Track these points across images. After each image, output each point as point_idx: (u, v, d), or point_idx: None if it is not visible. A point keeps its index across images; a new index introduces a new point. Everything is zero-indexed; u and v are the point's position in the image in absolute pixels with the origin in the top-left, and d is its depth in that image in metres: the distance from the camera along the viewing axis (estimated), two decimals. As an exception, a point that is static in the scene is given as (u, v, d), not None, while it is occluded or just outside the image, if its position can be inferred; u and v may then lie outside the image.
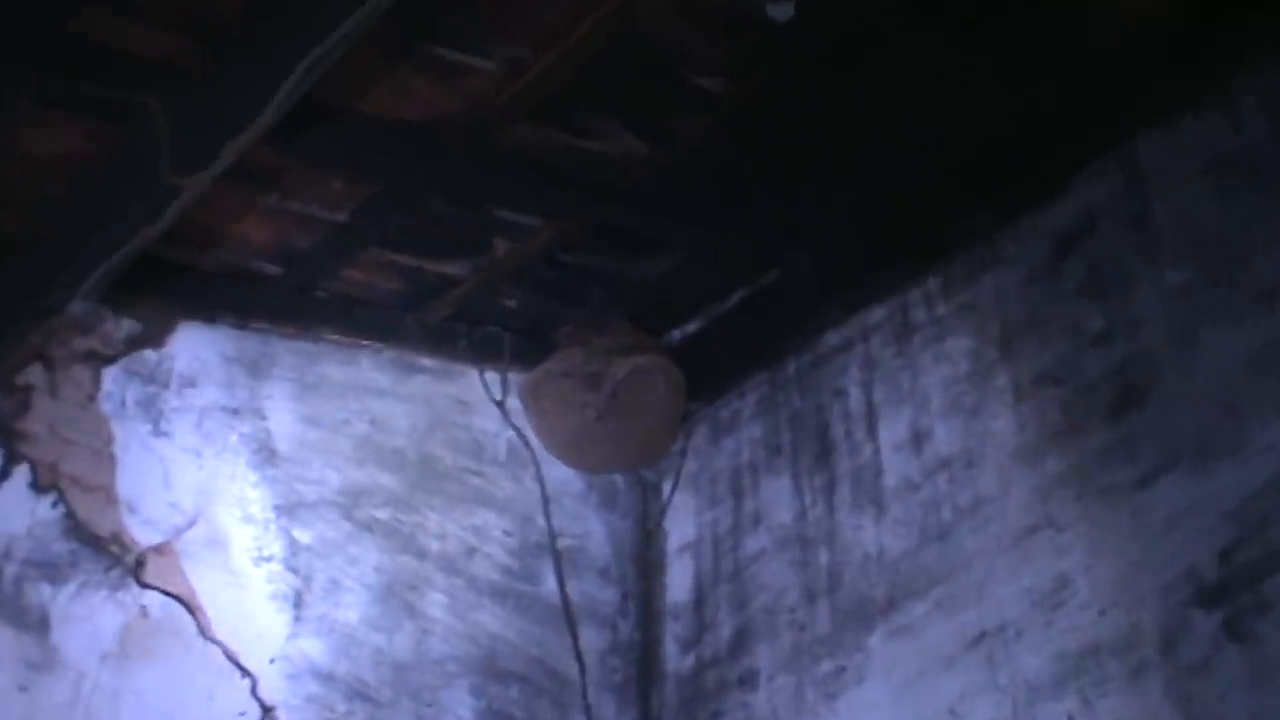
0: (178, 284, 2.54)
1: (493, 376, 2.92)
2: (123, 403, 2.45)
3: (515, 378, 2.90)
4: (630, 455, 2.86)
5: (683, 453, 2.95)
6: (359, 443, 2.72)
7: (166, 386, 2.53)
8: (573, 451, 2.84)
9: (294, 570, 2.54)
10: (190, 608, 2.37)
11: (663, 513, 2.94)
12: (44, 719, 2.16)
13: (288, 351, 2.69)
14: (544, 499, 2.87)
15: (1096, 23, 2.04)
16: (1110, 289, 2.21)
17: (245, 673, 2.40)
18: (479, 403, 2.89)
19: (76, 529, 2.31)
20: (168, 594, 2.36)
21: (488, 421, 2.88)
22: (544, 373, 2.81)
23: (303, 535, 2.58)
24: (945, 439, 2.43)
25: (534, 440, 2.87)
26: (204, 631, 2.37)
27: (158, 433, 2.50)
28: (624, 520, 2.95)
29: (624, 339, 2.81)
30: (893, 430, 2.53)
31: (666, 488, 2.97)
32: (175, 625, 2.34)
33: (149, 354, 2.51)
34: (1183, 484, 2.04)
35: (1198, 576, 1.98)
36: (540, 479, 2.87)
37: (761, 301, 2.79)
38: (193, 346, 2.57)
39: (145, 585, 2.36)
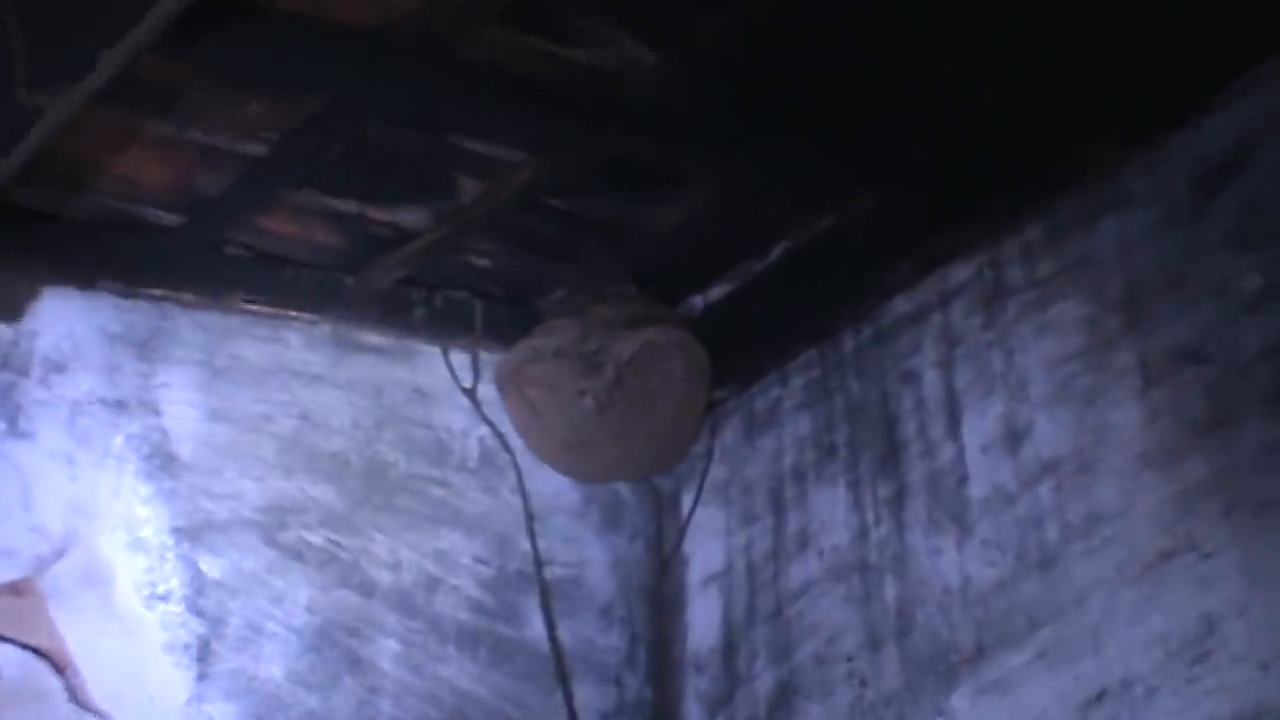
0: (41, 237, 2.50)
1: (460, 357, 2.93)
2: (-36, 395, 2.40)
3: (490, 359, 2.91)
4: (640, 459, 2.87)
5: (707, 455, 2.98)
6: (285, 444, 2.73)
7: (26, 373, 2.51)
8: (566, 454, 2.85)
9: (199, 612, 2.52)
10: (58, 665, 2.33)
11: (682, 533, 2.97)
12: None
13: (190, 326, 2.67)
14: (528, 516, 2.88)
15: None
16: (1269, 238, 2.16)
17: (133, 750, 2.31)
18: (442, 391, 2.90)
19: (-103, 564, 2.24)
20: (27, 648, 2.30)
21: (454, 416, 2.89)
22: (528, 352, 2.82)
23: (211, 566, 2.57)
24: (1050, 436, 2.40)
25: (514, 440, 2.88)
26: (76, 696, 2.32)
27: (15, 433, 2.47)
28: (632, 543, 2.98)
29: (631, 307, 2.83)
30: (980, 425, 2.52)
31: (686, 501, 3.00)
32: (38, 689, 2.28)
33: (2, 331, 2.48)
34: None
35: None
36: (523, 490, 2.89)
37: (809, 258, 2.78)
38: (62, 320, 2.54)
39: (-1, 638, 2.28)
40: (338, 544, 2.72)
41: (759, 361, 2.94)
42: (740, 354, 2.93)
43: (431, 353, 2.93)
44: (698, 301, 3.00)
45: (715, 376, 2.90)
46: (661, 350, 2.79)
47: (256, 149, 2.44)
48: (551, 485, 2.93)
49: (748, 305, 2.92)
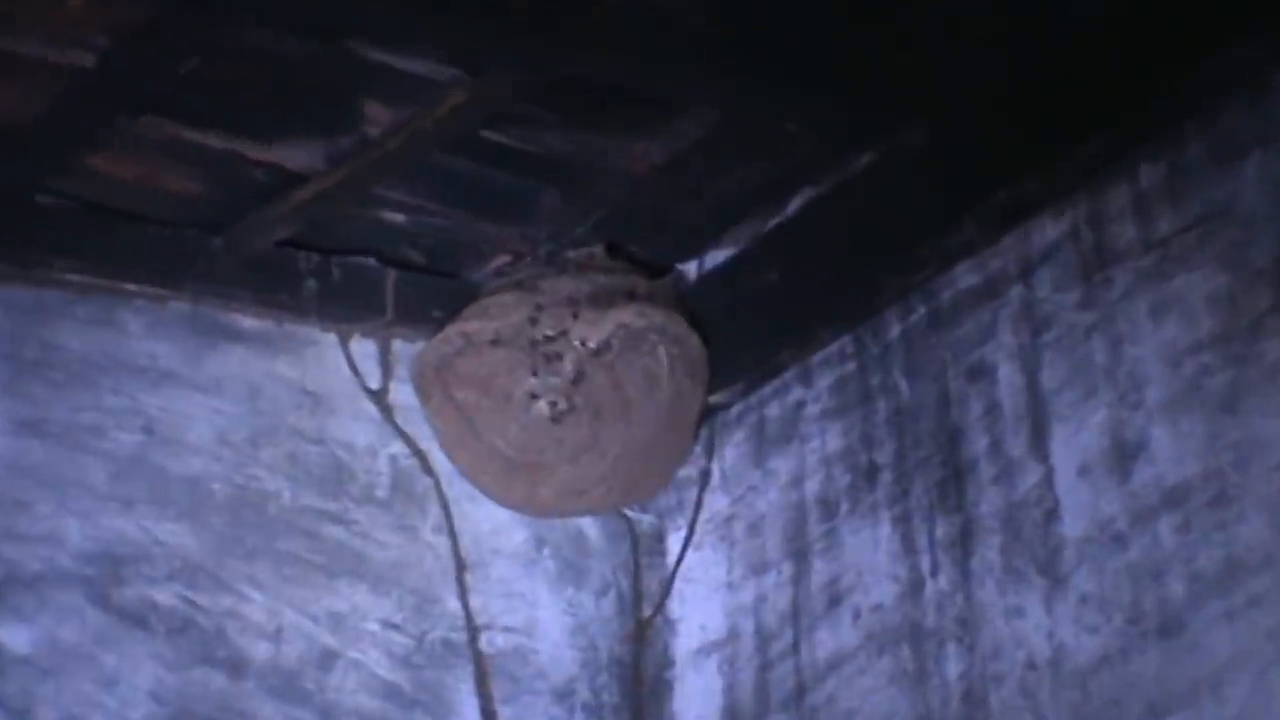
0: None
1: (365, 347, 2.93)
2: None
3: (406, 349, 2.91)
4: (611, 485, 2.90)
5: (702, 480, 3.01)
6: (123, 467, 2.69)
7: None
8: (510, 479, 2.88)
9: (-2, 699, 2.38)
10: None
11: (667, 587, 2.99)
12: None
13: (-11, 304, 2.57)
14: (457, 564, 2.86)
15: None
16: None
17: None
18: (341, 394, 2.89)
19: None
20: None
21: (356, 427, 2.89)
22: (458, 340, 2.82)
23: (14, 637, 2.50)
24: (1173, 455, 2.38)
25: (439, 460, 2.89)
26: None
27: None
28: (599, 601, 2.98)
29: (599, 279, 2.85)
30: (1076, 439, 2.49)
31: (674, 543, 3.03)
32: None
33: None
34: None
35: None
36: (451, 528, 2.89)
37: (841, 211, 2.78)
38: None
39: None
40: (195, 604, 2.68)
41: (773, 352, 2.93)
42: (747, 342, 2.94)
43: (326, 342, 2.92)
44: (690, 270, 3.01)
45: (714, 373, 2.91)
46: (640, 337, 2.80)
47: (79, 59, 2.39)
48: (490, 522, 2.93)
49: (757, 275, 2.92)
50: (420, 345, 2.91)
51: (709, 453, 3.05)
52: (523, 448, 2.82)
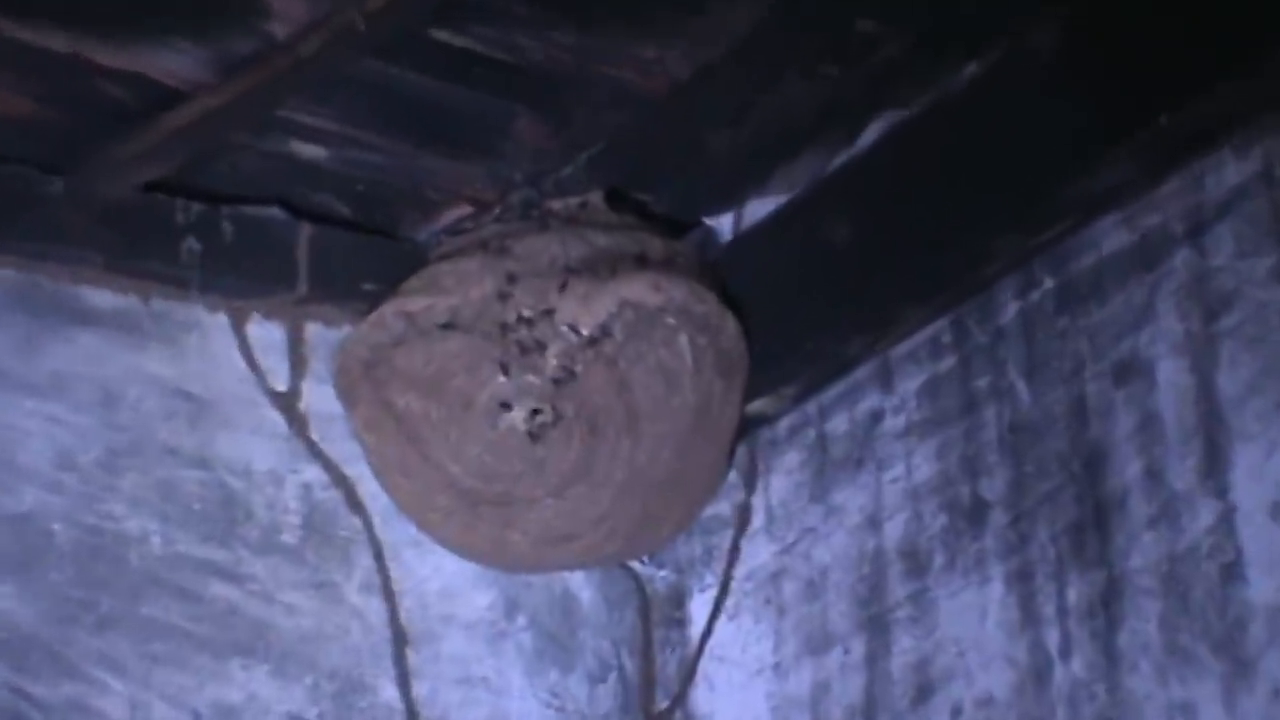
0: None
1: (268, 332, 2.90)
2: None
3: (325, 335, 2.90)
4: (611, 527, 2.89)
5: (740, 519, 3.01)
6: None
7: None
8: (470, 519, 2.88)
9: None
10: None
11: (690, 670, 2.99)
12: None
13: None
14: (395, 636, 2.85)
15: None
16: None
17: None
18: (232, 397, 2.89)
19: None
20: None
21: (254, 444, 2.89)
22: (398, 323, 2.81)
23: None
24: None
25: (372, 491, 2.87)
26: None
27: None
28: (594, 688, 2.98)
29: (598, 237, 2.85)
30: (1267, 465, 2.47)
31: (699, 606, 3.02)
32: None
33: None
34: None
35: None
36: (387, 587, 2.88)
37: (938, 139, 2.77)
38: None
39: None
40: (27, 695, 2.65)
41: (839, 342, 2.91)
42: (803, 327, 2.93)
43: (213, 326, 2.90)
44: (723, 226, 3.00)
45: (756, 371, 2.88)
46: (653, 321, 2.77)
47: None
48: (440, 578, 2.93)
49: (817, 234, 2.89)
50: (345, 331, 2.90)
51: (749, 483, 3.05)
52: (488, 475, 2.80)
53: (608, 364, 2.80)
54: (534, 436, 2.80)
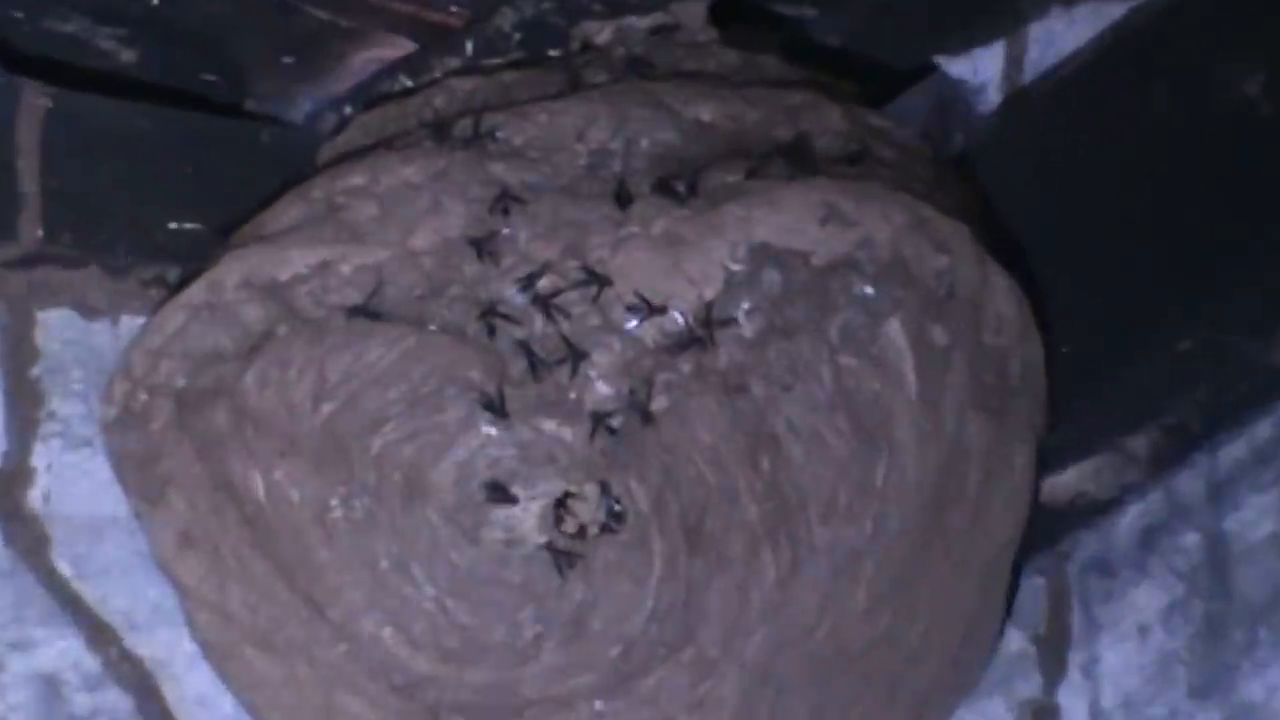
0: None
1: None
2: None
3: (83, 332, 2.06)
4: None
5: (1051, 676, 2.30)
6: None
7: None
8: None
9: None
10: None
11: None
12: None
13: None
14: None
15: None
16: None
17: None
18: None
19: None
20: None
21: None
22: (250, 302, 1.91)
23: None
24: None
25: (195, 695, 2.06)
26: None
27: None
28: None
29: (699, 100, 1.90)
30: None
31: None
32: None
33: None
34: None
35: None
36: None
37: None
38: None
39: None
40: None
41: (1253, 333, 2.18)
42: (1168, 304, 2.07)
43: None
44: (981, 73, 2.16)
45: (1066, 403, 2.02)
46: (828, 290, 1.81)
47: None
48: None
49: (1209, 86, 2.08)
50: (131, 325, 1.95)
51: (1052, 654, 2.22)
52: (455, 648, 1.84)
53: (726, 389, 1.74)
54: (563, 560, 1.78)
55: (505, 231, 1.77)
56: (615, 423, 1.72)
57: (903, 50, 2.09)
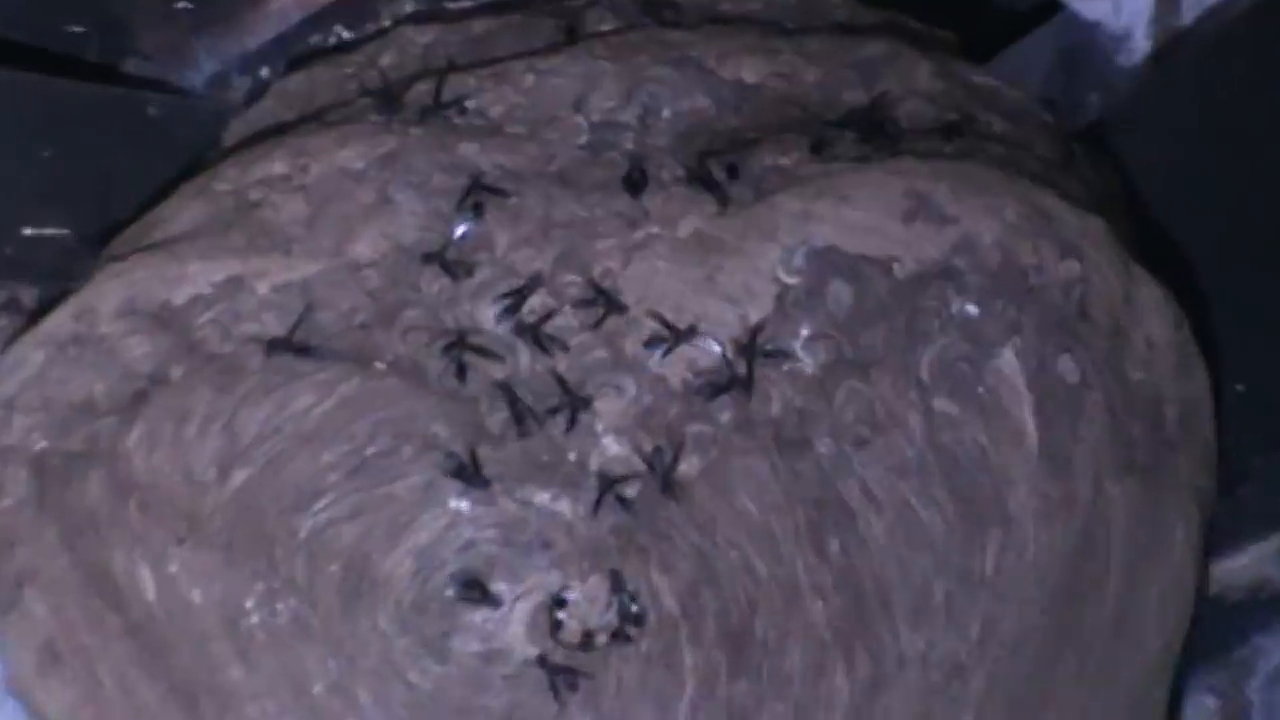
0: None
1: None
2: None
3: None
4: None
5: None
6: None
7: None
8: None
9: None
10: None
11: None
12: None
13: None
14: None
15: None
16: None
17: None
18: None
19: None
20: None
21: None
22: (134, 335, 1.70)
23: None
24: None
25: None
26: None
27: None
28: None
29: (743, 55, 1.65)
30: None
31: None
32: None
33: None
34: None
35: None
36: None
37: None
38: None
39: None
40: None
41: None
42: None
43: None
44: (1121, 17, 1.86)
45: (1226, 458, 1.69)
46: (914, 305, 1.48)
47: None
48: None
49: None
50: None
51: None
52: None
53: (779, 446, 1.40)
54: (561, 680, 1.44)
55: (478, 234, 1.46)
56: (630, 492, 1.40)
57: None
